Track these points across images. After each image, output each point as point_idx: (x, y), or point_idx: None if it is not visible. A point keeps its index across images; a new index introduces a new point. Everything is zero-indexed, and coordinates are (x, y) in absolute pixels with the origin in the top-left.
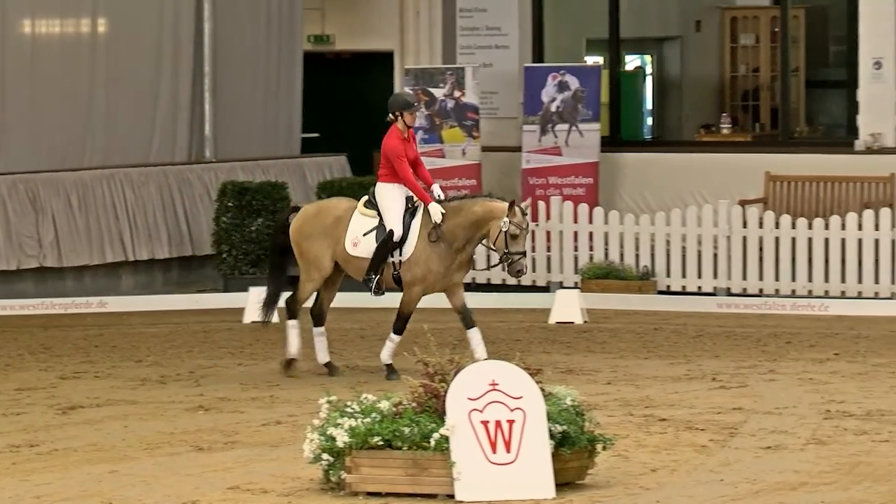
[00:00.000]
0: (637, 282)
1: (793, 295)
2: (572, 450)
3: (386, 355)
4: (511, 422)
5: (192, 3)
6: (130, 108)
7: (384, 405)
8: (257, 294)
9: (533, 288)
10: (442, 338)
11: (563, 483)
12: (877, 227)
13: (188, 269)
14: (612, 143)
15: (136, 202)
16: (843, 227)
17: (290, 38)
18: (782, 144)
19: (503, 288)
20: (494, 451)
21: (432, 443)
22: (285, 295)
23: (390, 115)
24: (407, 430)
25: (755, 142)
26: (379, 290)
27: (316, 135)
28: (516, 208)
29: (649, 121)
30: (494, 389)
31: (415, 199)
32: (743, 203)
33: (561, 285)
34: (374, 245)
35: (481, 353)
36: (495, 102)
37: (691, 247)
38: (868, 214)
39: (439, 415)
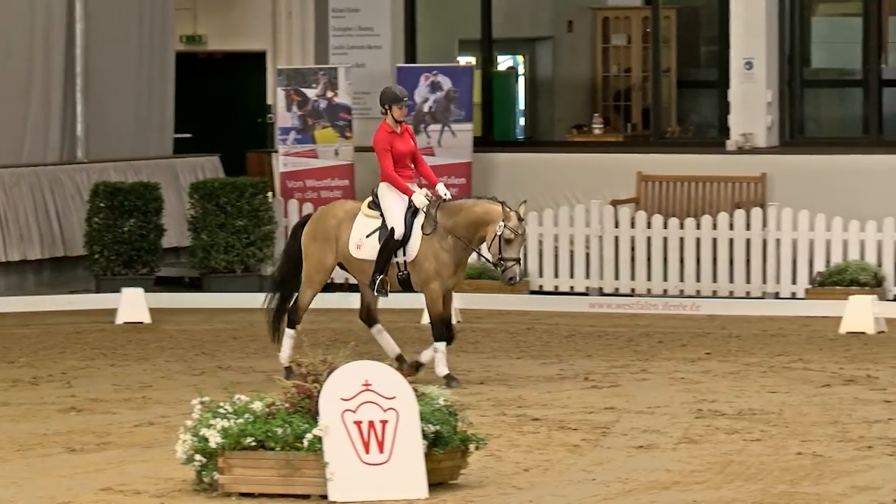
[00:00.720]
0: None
1: (664, 295)
2: (445, 450)
3: (440, 368)
4: (384, 422)
5: (64, 2)
6: (1, 109)
7: (257, 406)
8: (130, 294)
9: (410, 288)
10: (315, 338)
11: (436, 483)
12: (748, 227)
13: (60, 269)
14: (484, 143)
15: (8, 203)
16: (715, 226)
17: (163, 38)
18: (654, 144)
19: None
20: (367, 451)
21: (305, 443)
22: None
23: (381, 109)
24: (280, 430)
25: (627, 142)
26: (383, 291)
27: (188, 135)
28: (513, 213)
29: (522, 121)
30: (367, 390)
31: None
32: (615, 203)
33: None
34: (378, 246)
35: (443, 370)
36: (368, 103)
37: (563, 247)
38: (739, 214)
39: (312, 415)
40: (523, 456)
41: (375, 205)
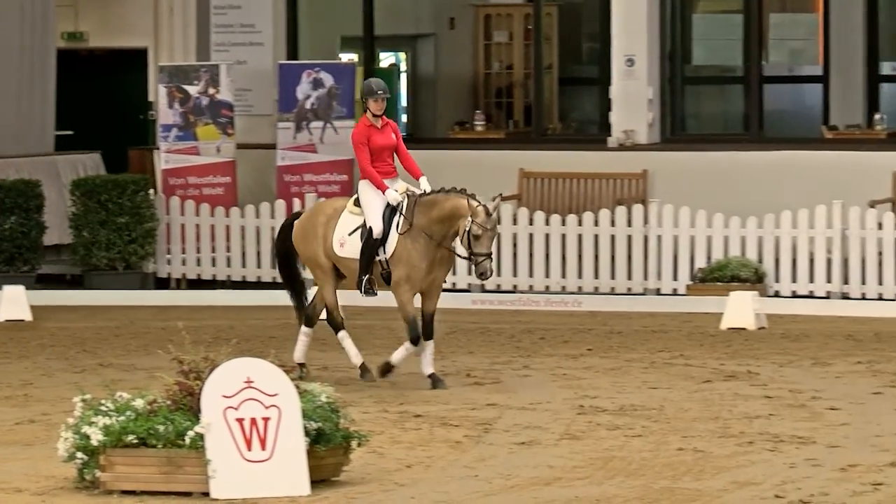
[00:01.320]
0: None
1: (546, 291)
2: (327, 447)
3: (426, 367)
4: (266, 419)
5: None
6: None
7: (139, 403)
8: (11, 292)
9: None
10: (197, 335)
11: (319, 480)
12: (629, 224)
13: None
14: None
15: None
16: (596, 223)
17: (43, 34)
18: (536, 141)
19: (259, 285)
20: (250, 448)
21: (187, 441)
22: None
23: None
24: (162, 428)
25: (509, 139)
26: (369, 291)
27: (70, 132)
28: (479, 208)
29: (404, 118)
30: (249, 387)
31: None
32: (497, 198)
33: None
34: (359, 245)
35: (428, 368)
36: (250, 100)
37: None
38: (621, 211)
39: (194, 413)
40: (405, 452)
41: (360, 202)
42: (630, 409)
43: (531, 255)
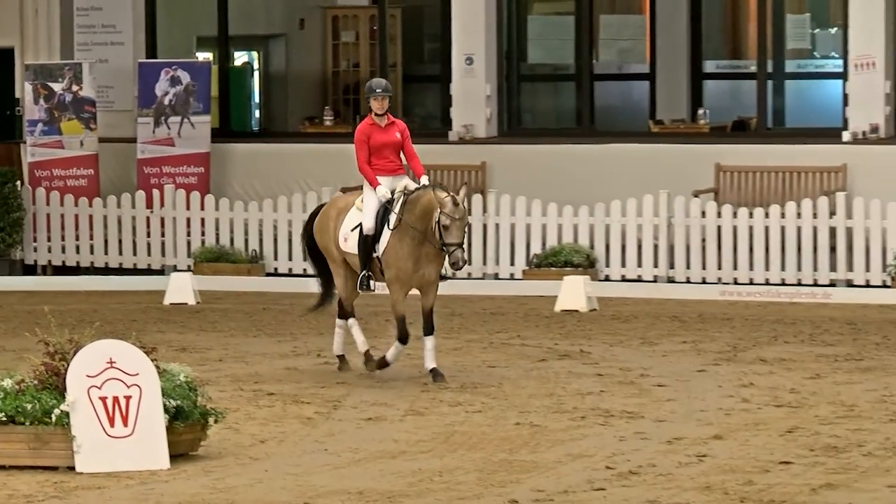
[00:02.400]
0: (246, 265)
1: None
2: (186, 423)
3: (428, 362)
4: (128, 397)
5: None
6: None
7: (7, 383)
8: None
9: (148, 271)
10: (62, 319)
11: (178, 454)
12: (469, 212)
13: None
14: (222, 134)
15: None
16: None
17: None
18: None
19: (120, 271)
20: (112, 424)
21: (53, 418)
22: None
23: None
24: (29, 406)
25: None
26: (363, 286)
27: None
28: (446, 198)
29: (257, 113)
30: (112, 367)
31: (398, 192)
32: (344, 190)
33: (175, 268)
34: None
35: (430, 363)
36: (111, 96)
37: (296, 232)
38: None
39: (60, 392)
40: (259, 428)
41: None
42: (470, 387)
43: None
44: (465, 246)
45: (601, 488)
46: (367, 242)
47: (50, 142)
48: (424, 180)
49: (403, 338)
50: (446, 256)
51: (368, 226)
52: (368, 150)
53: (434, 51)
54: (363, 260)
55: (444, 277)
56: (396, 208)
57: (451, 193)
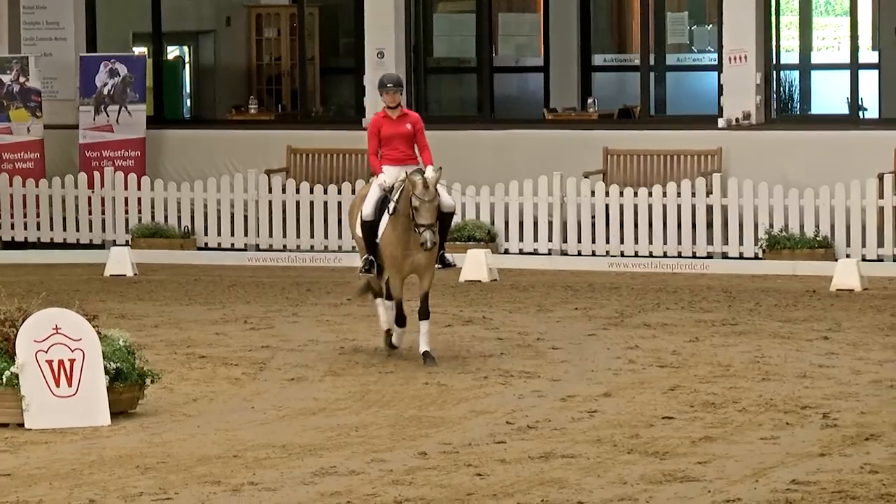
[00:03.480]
0: (180, 240)
1: (311, 250)
2: (125, 384)
3: (421, 345)
4: (72, 360)
5: None
6: None
7: None
8: None
9: (90, 245)
10: (11, 289)
11: (118, 412)
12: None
13: None
14: (156, 121)
15: None
16: (354, 192)
17: None
18: (301, 122)
19: (64, 246)
20: (58, 385)
21: (4, 379)
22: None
23: None
24: None
25: (278, 120)
26: (364, 269)
27: None
28: (417, 180)
29: (188, 102)
30: (57, 333)
31: (398, 181)
32: (268, 172)
33: (114, 243)
34: None
35: (423, 346)
36: (55, 87)
37: (225, 209)
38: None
39: (10, 355)
40: (192, 388)
41: None
42: (382, 350)
43: (298, 219)
44: (435, 228)
45: (502, 441)
46: (368, 229)
47: (0, 128)
48: (429, 171)
49: (399, 321)
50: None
51: (367, 212)
52: (378, 141)
53: (348, 45)
54: (368, 245)
55: (447, 265)
56: (395, 196)
57: (424, 176)
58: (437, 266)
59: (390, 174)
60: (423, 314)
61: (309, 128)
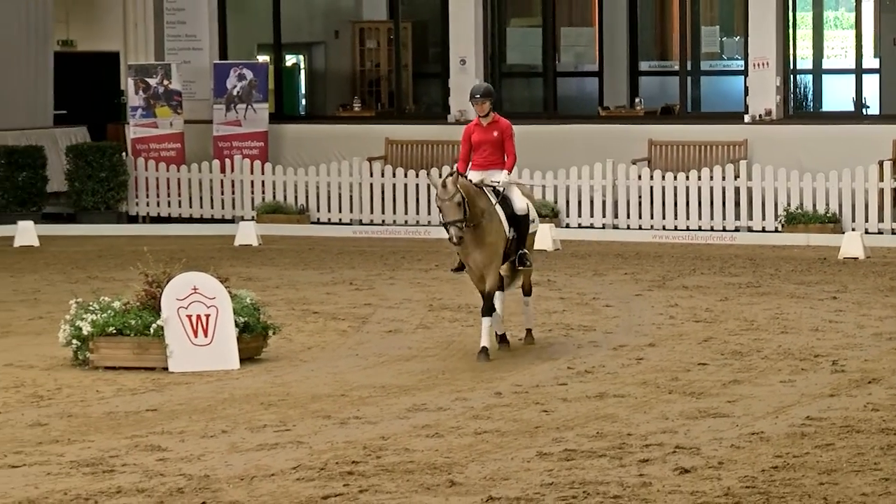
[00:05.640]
0: (296, 215)
1: (405, 224)
2: (251, 335)
3: (483, 339)
4: (208, 315)
5: None
6: None
7: (116, 304)
8: (24, 225)
9: (222, 220)
10: (157, 256)
11: (246, 358)
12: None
13: None
14: (277, 117)
15: None
16: (441, 175)
17: (44, 41)
18: (397, 118)
19: (201, 220)
20: (196, 336)
21: (152, 331)
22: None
23: None
24: (133, 321)
25: (377, 116)
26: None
27: (64, 111)
28: (439, 182)
29: (303, 101)
30: (195, 293)
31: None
32: (370, 159)
33: (242, 219)
34: None
35: (481, 341)
36: (193, 89)
37: (334, 190)
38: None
39: (156, 311)
40: (307, 339)
41: None
42: (465, 307)
43: (394, 199)
44: (460, 224)
45: (564, 383)
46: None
47: (147, 123)
48: (501, 176)
49: (485, 311)
50: (483, 238)
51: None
52: (469, 147)
53: (436, 54)
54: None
55: (524, 264)
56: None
57: (446, 177)
58: (519, 267)
59: (474, 178)
60: (483, 311)
61: (403, 123)
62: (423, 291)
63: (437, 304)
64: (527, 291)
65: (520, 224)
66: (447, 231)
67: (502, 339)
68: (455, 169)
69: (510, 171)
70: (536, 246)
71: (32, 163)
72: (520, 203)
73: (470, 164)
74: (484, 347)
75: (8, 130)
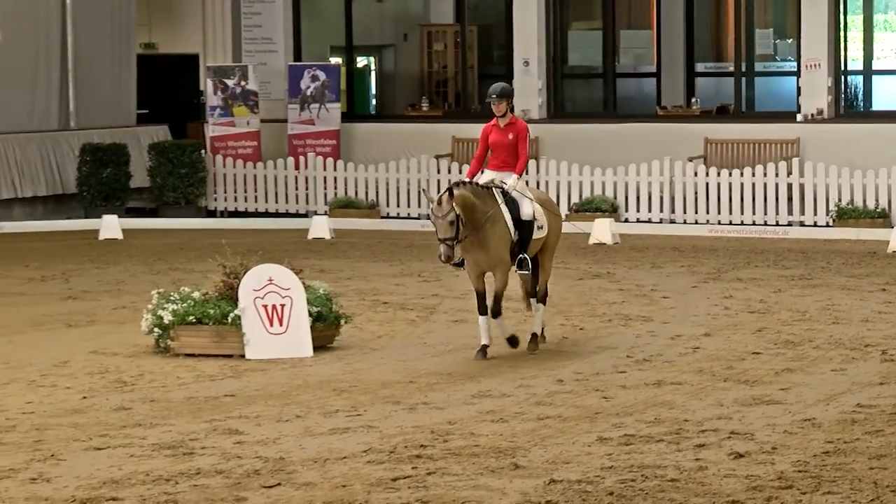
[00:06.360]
0: (367, 210)
1: None
2: (324, 324)
3: (495, 332)
4: (283, 305)
5: (59, 20)
6: (17, 93)
7: (196, 294)
8: (108, 219)
9: (296, 215)
10: (235, 249)
11: (319, 346)
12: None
13: (60, 203)
14: (348, 116)
15: (22, 157)
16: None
17: (127, 44)
18: (463, 117)
19: (276, 215)
20: (272, 325)
21: (230, 320)
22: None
23: None
24: (212, 311)
25: (444, 115)
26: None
27: (146, 111)
28: (433, 196)
29: (374, 101)
30: (271, 283)
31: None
32: (437, 157)
33: (315, 213)
34: None
35: (483, 339)
36: (269, 89)
37: (403, 186)
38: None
39: (234, 301)
40: (377, 328)
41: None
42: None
43: None
44: (451, 242)
45: (623, 371)
46: None
47: (225, 122)
48: (509, 179)
49: (487, 312)
50: (484, 241)
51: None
52: (485, 147)
53: (500, 56)
54: None
55: (522, 268)
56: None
57: (441, 194)
58: (517, 271)
59: (486, 178)
60: (492, 312)
61: (469, 121)
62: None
63: (514, 295)
64: (541, 298)
65: (523, 229)
66: (438, 247)
67: (512, 339)
68: (457, 180)
69: (520, 174)
70: (596, 239)
71: (116, 160)
72: (527, 209)
73: (486, 163)
74: (483, 346)
75: (94, 129)
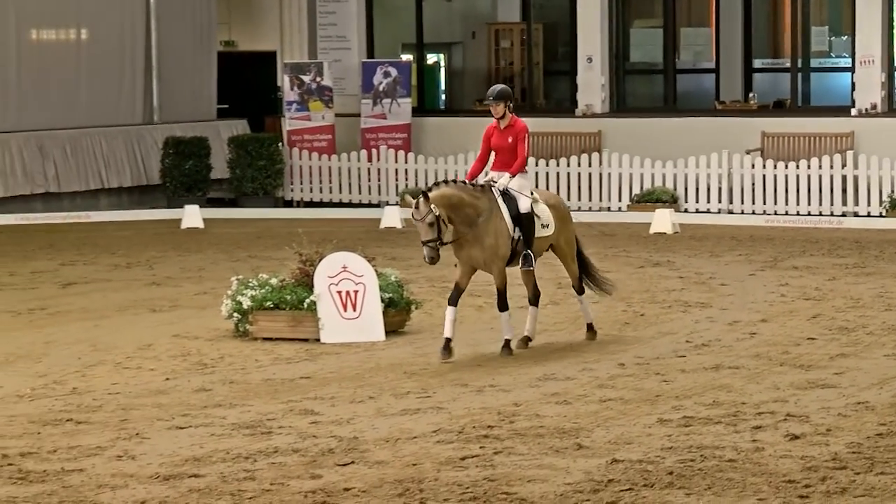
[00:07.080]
0: None
1: None
2: (396, 309)
3: (503, 332)
4: (356, 291)
5: (143, 18)
6: (104, 89)
7: (273, 281)
8: (190, 209)
9: (368, 205)
10: (311, 238)
11: (390, 331)
12: (590, 165)
13: (144, 193)
14: (419, 111)
15: (109, 149)
16: (568, 164)
17: (209, 42)
18: (528, 112)
19: (350, 205)
20: (346, 310)
21: (305, 305)
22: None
23: None
24: (289, 297)
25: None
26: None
27: (226, 106)
28: (411, 200)
29: (443, 96)
30: (345, 271)
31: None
32: None
33: (387, 203)
34: None
35: (503, 334)
36: (343, 85)
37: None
38: (584, 157)
39: (309, 287)
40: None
41: None
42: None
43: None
44: (433, 244)
45: (683, 355)
46: None
47: (301, 116)
48: (501, 179)
49: (499, 307)
50: (476, 238)
51: None
52: (488, 147)
53: (565, 53)
54: None
55: (527, 265)
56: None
57: (419, 198)
58: (521, 267)
59: (488, 178)
60: (498, 307)
61: (534, 116)
62: (552, 271)
63: (564, 283)
64: (531, 300)
65: (524, 224)
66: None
67: (507, 345)
68: (437, 181)
69: (514, 174)
70: (657, 229)
71: (198, 152)
72: (524, 203)
73: (490, 163)
74: (506, 340)
75: (176, 123)
